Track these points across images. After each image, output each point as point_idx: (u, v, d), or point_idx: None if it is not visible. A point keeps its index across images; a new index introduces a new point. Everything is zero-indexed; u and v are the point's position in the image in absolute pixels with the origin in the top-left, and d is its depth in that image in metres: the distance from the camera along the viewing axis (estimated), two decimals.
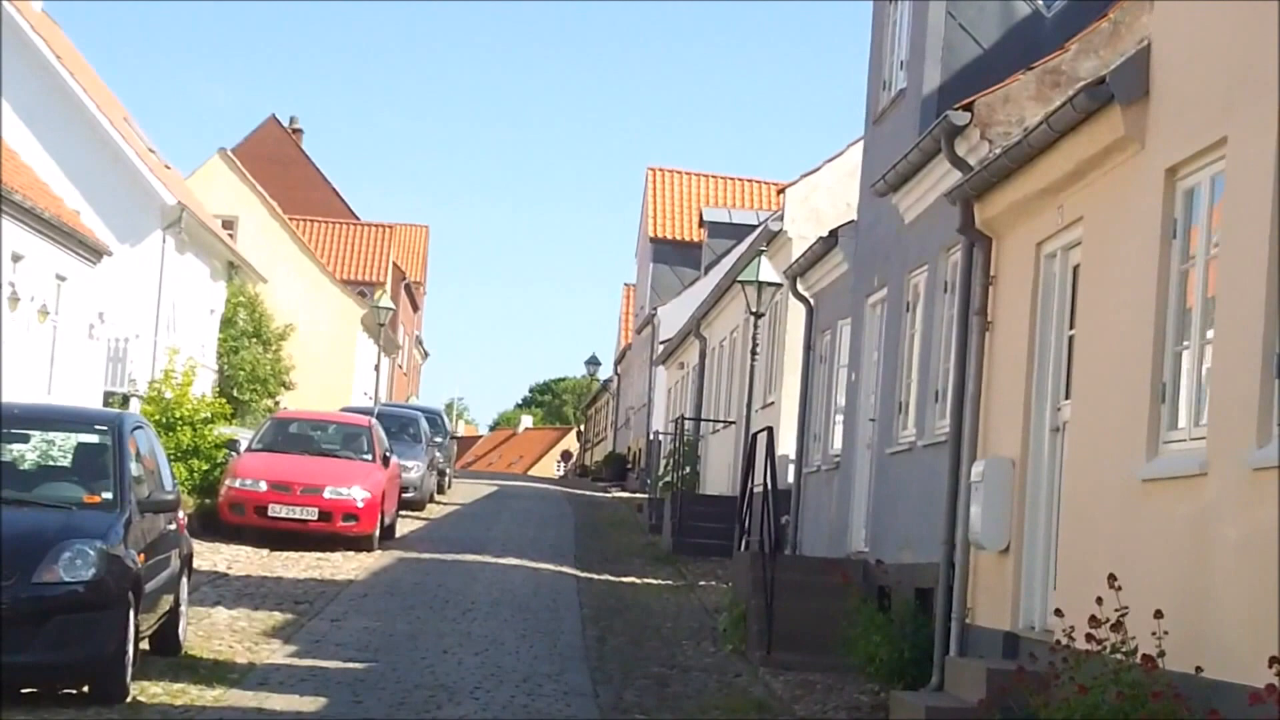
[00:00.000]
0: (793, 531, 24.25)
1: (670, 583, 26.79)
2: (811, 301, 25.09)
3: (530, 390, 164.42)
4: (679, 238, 60.97)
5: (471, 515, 38.52)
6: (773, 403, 28.47)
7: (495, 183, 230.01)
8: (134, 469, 13.93)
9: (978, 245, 15.41)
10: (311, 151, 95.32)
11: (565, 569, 27.65)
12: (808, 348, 25.07)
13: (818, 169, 27.91)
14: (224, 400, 31.61)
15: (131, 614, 12.83)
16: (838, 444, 22.57)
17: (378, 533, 28.04)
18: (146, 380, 38.23)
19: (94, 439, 14.20)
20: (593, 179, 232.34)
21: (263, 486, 27.36)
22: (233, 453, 28.91)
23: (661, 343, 52.38)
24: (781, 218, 27.90)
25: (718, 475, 35.21)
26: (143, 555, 13.39)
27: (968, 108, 16.05)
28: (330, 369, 59.35)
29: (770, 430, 20.53)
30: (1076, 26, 17.67)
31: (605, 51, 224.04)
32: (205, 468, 28.94)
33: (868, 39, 21.56)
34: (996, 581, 14.41)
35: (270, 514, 27.27)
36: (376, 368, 52.11)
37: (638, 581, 26.78)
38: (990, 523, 14.17)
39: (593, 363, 77.26)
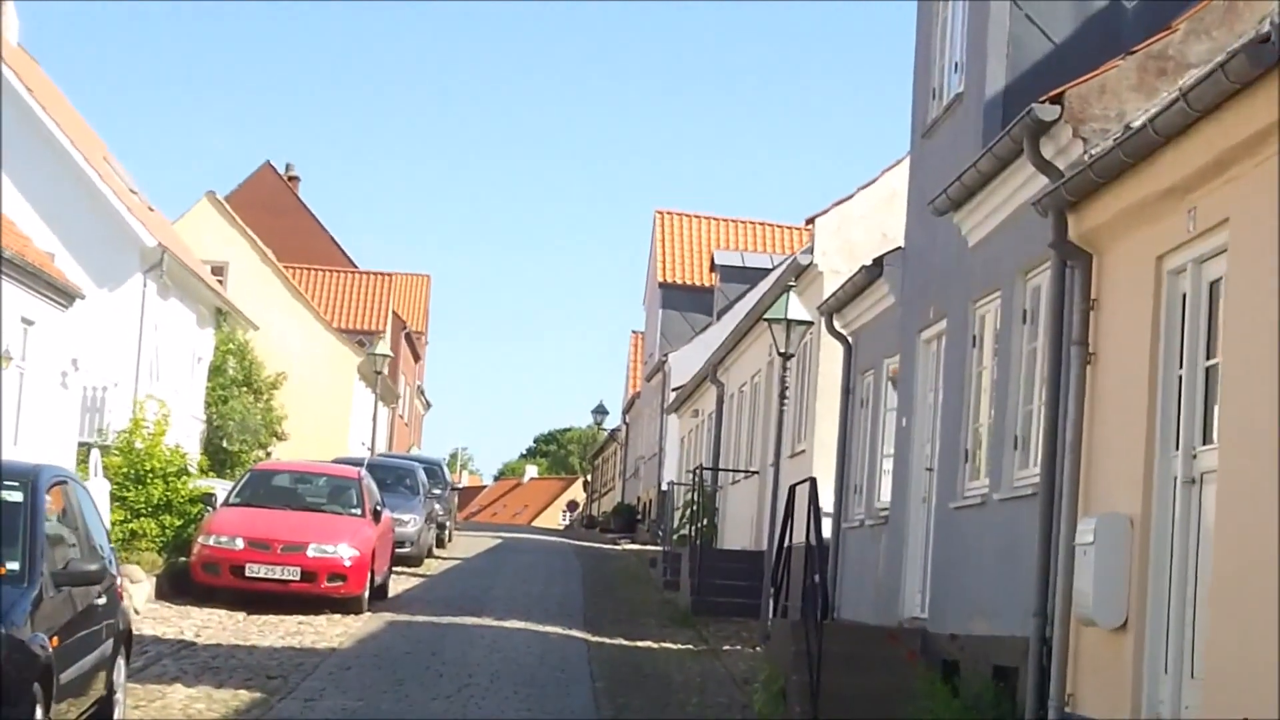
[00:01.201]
0: (829, 593, 21.61)
1: (691, 647, 24.23)
2: (850, 340, 22.59)
3: (535, 440, 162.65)
4: (689, 282, 58.55)
5: (472, 571, 35.93)
6: (803, 451, 25.94)
7: (498, 231, 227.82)
8: (50, 533, 11.32)
9: (1074, 263, 12.92)
10: (309, 200, 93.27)
11: (574, 632, 25.10)
12: (846, 391, 22.57)
13: (850, 197, 25.45)
14: (203, 454, 28.99)
15: (39, 711, 10.25)
16: (885, 496, 20.05)
17: (367, 594, 25.49)
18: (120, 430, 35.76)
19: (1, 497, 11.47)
20: (596, 225, 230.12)
21: (239, 544, 24.82)
22: (209, 508, 26.35)
23: (673, 390, 49.89)
24: (811, 250, 25.42)
25: (738, 529, 32.65)
26: (56, 638, 10.79)
27: (1056, 100, 13.54)
28: (326, 419, 56.78)
29: (814, 481, 17.97)
30: (1162, 16, 15.19)
31: (608, 95, 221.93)
32: (178, 524, 26.42)
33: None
34: (1110, 663, 11.84)
35: (248, 574, 24.72)
36: (374, 417, 49.58)
37: (654, 646, 24.23)
38: (1104, 593, 11.61)
39: (600, 411, 74.72)
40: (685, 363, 51.25)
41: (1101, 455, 12.39)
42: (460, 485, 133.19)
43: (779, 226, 60.69)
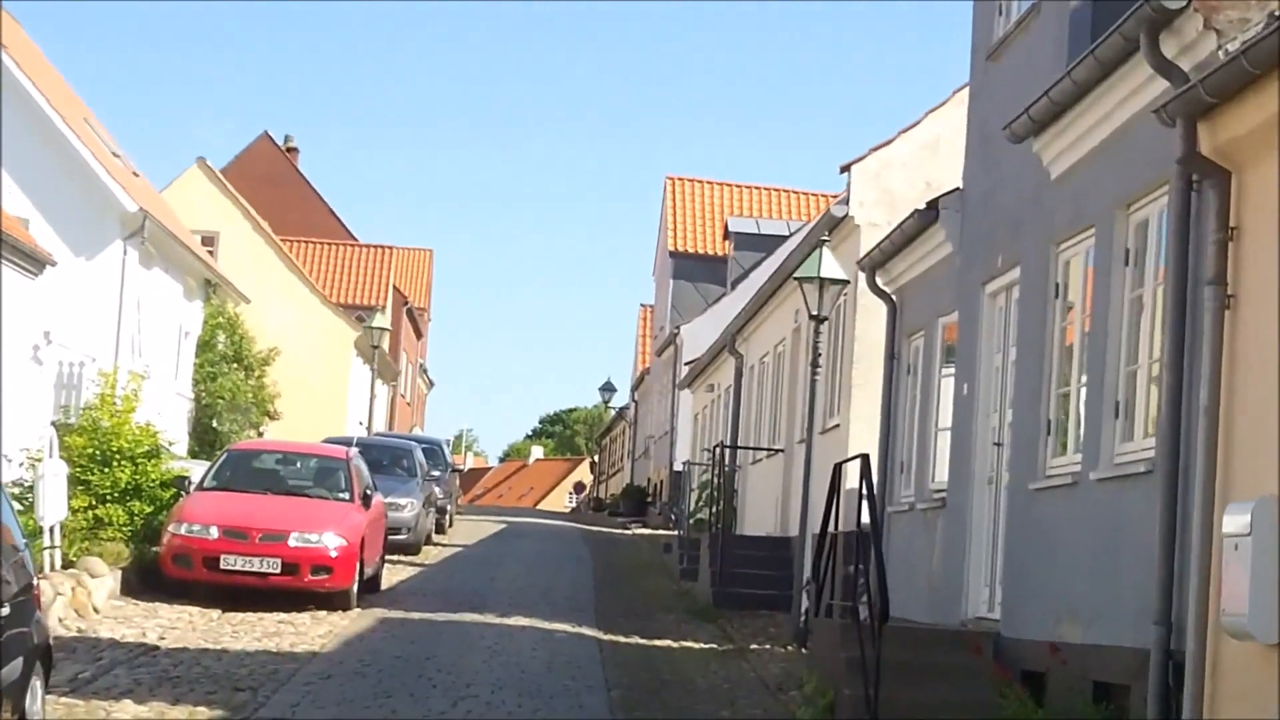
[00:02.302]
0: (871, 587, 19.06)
1: (715, 647, 21.75)
2: (894, 298, 20.07)
3: (541, 421, 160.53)
4: (702, 251, 55.99)
5: (474, 559, 33.43)
6: (837, 425, 23.43)
7: (500, 206, 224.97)
8: None
9: (1207, 184, 10.38)
10: (309, 175, 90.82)
11: (585, 630, 22.61)
12: (890, 356, 20.07)
13: (890, 141, 22.89)
14: (190, 435, 26.41)
15: None
16: (940, 475, 17.55)
17: (356, 587, 23.00)
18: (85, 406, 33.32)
19: None
20: (603, 197, 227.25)
21: (213, 533, 22.32)
22: (184, 493, 23.81)
23: (686, 364, 47.37)
24: (846, 201, 22.86)
25: (759, 512, 30.16)
26: None
27: None
28: (321, 397, 54.24)
29: (865, 459, 15.45)
30: None
31: (614, 61, 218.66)
32: (149, 510, 23.91)
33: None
34: (1265, 688, 9.33)
35: (223, 567, 22.21)
36: (370, 394, 47.03)
37: (674, 645, 21.75)
38: (1263, 600, 9.10)
39: (608, 389, 72.13)
40: (698, 335, 48.78)
41: (1247, 423, 9.87)
42: (465, 468, 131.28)
43: (796, 192, 58.14)
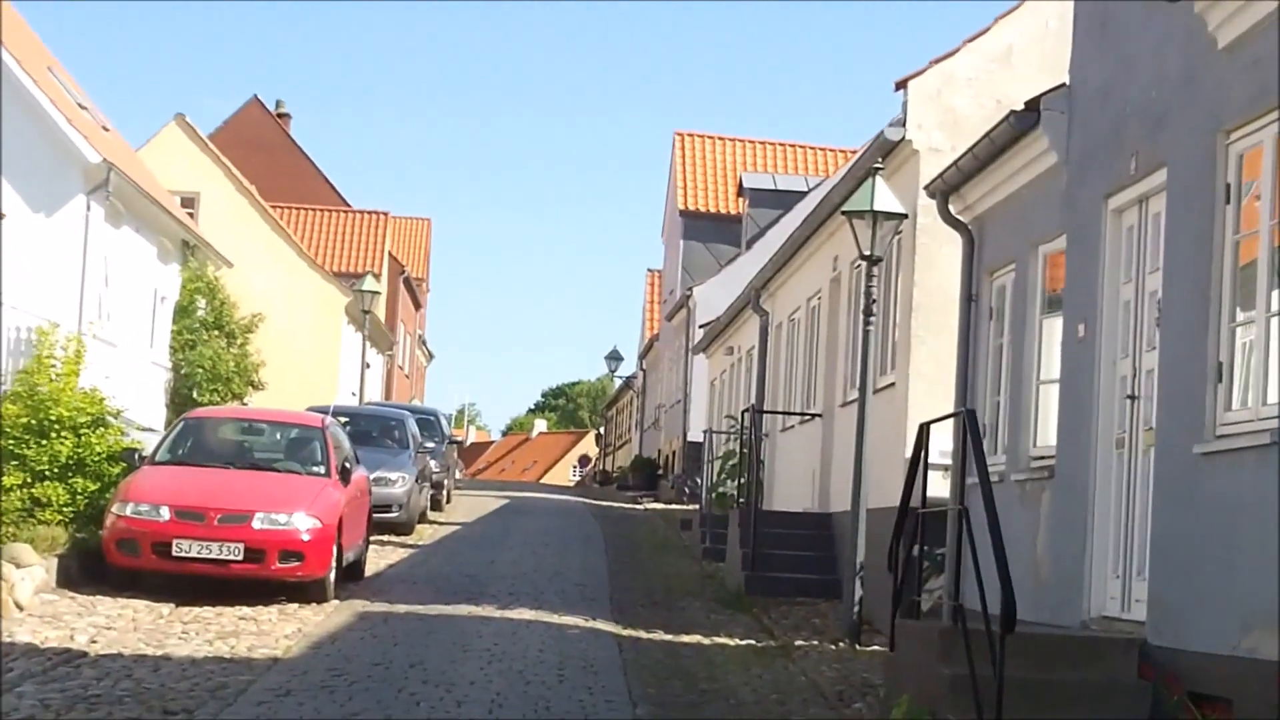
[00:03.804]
0: (947, 574, 15.70)
1: (753, 643, 18.53)
2: (972, 229, 16.74)
3: (543, 394, 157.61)
4: (714, 210, 52.63)
5: (473, 539, 30.13)
6: (892, 384, 20.11)
7: (500, 174, 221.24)
8: None
9: None
10: (303, 143, 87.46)
11: (600, 623, 19.35)
12: (967, 298, 16.75)
13: (954, 52, 19.49)
14: (171, 405, 23.08)
15: None
16: (1044, 439, 14.25)
17: (333, 575, 19.72)
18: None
19: None
20: (606, 164, 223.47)
21: (164, 514, 19.02)
22: (132, 467, 20.51)
23: (701, 327, 44.04)
24: (902, 123, 19.53)
25: (793, 485, 26.87)
26: None
27: None
28: (311, 366, 50.87)
29: (972, 415, 12.14)
30: None
31: (618, 20, 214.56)
32: (94, 488, 20.63)
33: None
34: None
35: (175, 553, 18.92)
36: (362, 361, 43.68)
37: (705, 642, 18.52)
38: None
39: (614, 357, 68.64)
40: (711, 298, 45.57)
41: None
42: (467, 441, 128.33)
43: (812, 148, 54.76)
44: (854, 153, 47.36)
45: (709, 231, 52.21)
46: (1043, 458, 14.18)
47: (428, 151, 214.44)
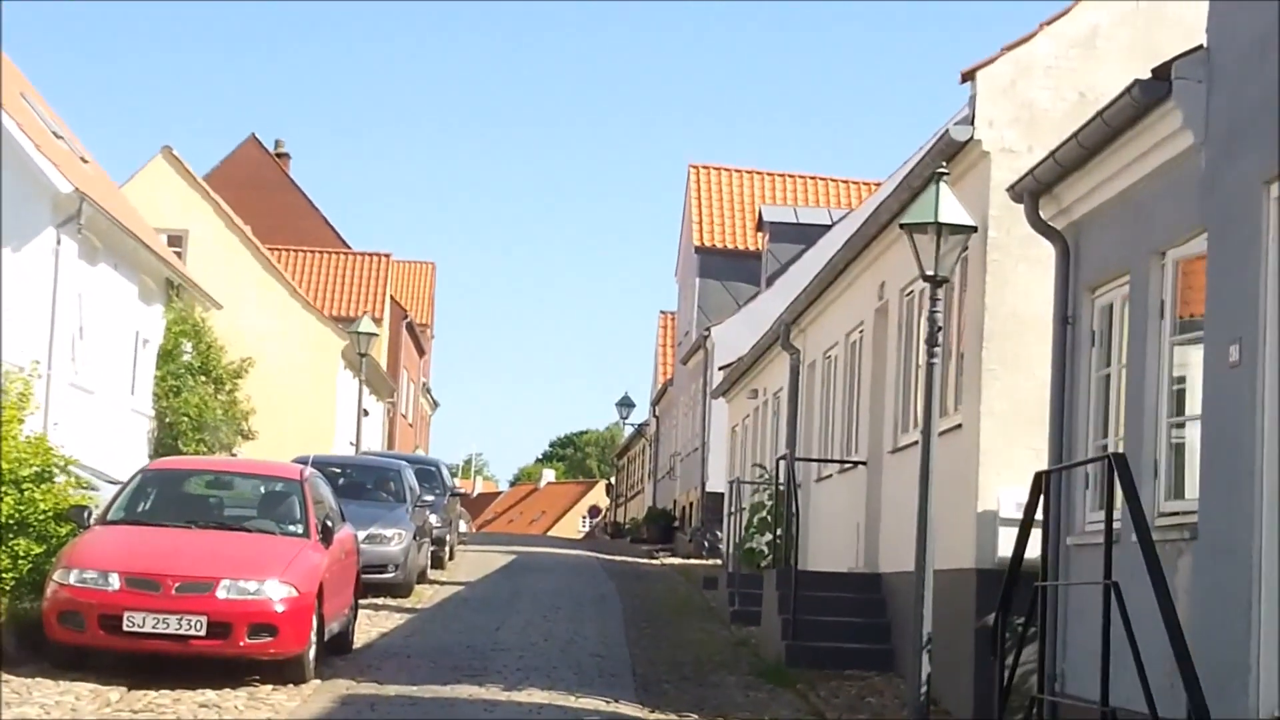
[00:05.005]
0: (1045, 653, 12.87)
1: None
2: (1067, 237, 14.02)
3: (551, 444, 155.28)
4: (732, 245, 49.94)
5: (477, 602, 27.35)
6: (958, 426, 17.34)
7: (504, 217, 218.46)
8: None
9: None
10: (303, 184, 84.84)
11: (624, 707, 16.64)
12: (1063, 320, 14.02)
13: (1030, 37, 16.76)
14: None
15: None
16: (1183, 489, 11.48)
17: (312, 652, 16.92)
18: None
19: None
20: (614, 207, 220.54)
21: (114, 582, 16.24)
22: (80, 527, 17.74)
23: (720, 369, 41.29)
24: (971, 120, 16.84)
25: (832, 541, 24.10)
26: None
27: None
28: (306, 414, 48.15)
29: (1121, 460, 9.40)
30: None
31: (626, 54, 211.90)
32: (37, 552, 17.88)
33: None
34: None
35: (127, 628, 16.13)
36: (359, 408, 40.92)
37: None
38: None
39: (625, 404, 65.90)
40: (730, 339, 42.93)
41: None
42: (474, 492, 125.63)
43: (835, 180, 52.08)
44: (878, 185, 44.73)
45: (726, 269, 49.53)
46: (1176, 513, 11.43)
47: (432, 193, 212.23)
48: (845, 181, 51.67)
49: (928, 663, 15.95)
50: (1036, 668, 12.41)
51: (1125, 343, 12.85)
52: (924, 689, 15.95)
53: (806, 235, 44.85)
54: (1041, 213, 14.20)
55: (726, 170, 52.50)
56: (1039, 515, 13.10)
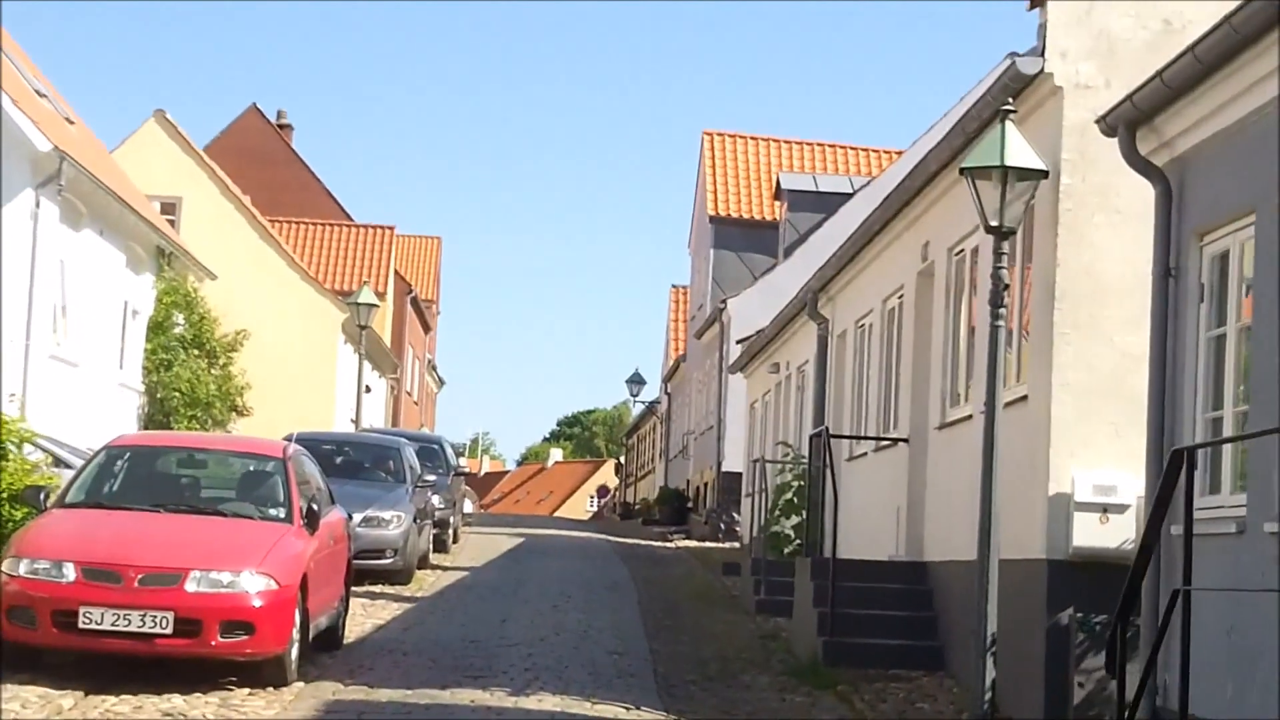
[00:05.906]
0: (1167, 663, 10.93)
1: None
2: (1169, 176, 12.06)
3: (558, 423, 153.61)
4: (748, 215, 47.96)
5: (481, 589, 25.43)
6: (1023, 398, 15.40)
7: (511, 189, 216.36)
8: None
9: None
10: (306, 156, 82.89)
11: (646, 713, 14.76)
12: (1165, 273, 12.08)
13: None
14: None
15: None
16: None
17: (294, 651, 15.02)
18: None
19: None
20: (622, 181, 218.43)
21: (69, 574, 14.34)
22: (36, 510, 15.82)
23: (738, 343, 39.35)
24: (1041, 51, 14.89)
25: (866, 527, 22.13)
26: None
27: None
28: (304, 390, 46.21)
29: None
30: None
31: (638, 22, 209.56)
32: None
33: None
34: None
35: (83, 625, 14.23)
36: (359, 383, 39.01)
37: None
38: None
39: (636, 381, 63.98)
40: (746, 312, 41.03)
41: None
42: (481, 471, 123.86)
43: (854, 148, 50.10)
44: (900, 154, 42.77)
45: (742, 239, 47.57)
46: None
47: (438, 168, 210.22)
48: (865, 150, 49.72)
49: (992, 666, 14.09)
50: (1140, 679, 10.49)
51: (1243, 298, 10.88)
52: (987, 695, 14.10)
53: (827, 204, 42.98)
54: (1139, 146, 12.23)
55: (742, 137, 50.52)
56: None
